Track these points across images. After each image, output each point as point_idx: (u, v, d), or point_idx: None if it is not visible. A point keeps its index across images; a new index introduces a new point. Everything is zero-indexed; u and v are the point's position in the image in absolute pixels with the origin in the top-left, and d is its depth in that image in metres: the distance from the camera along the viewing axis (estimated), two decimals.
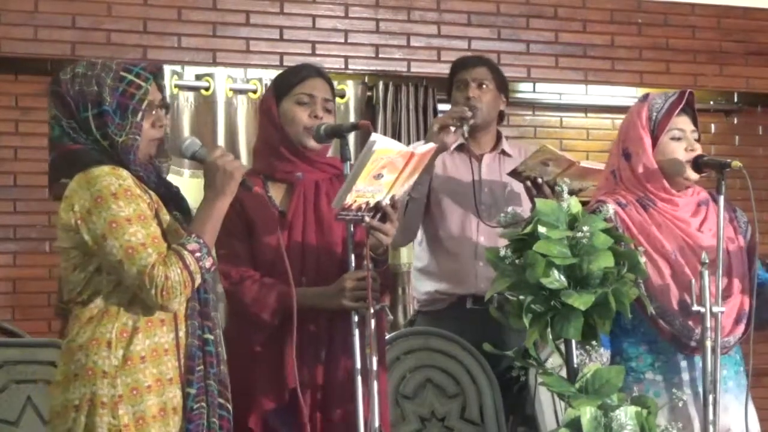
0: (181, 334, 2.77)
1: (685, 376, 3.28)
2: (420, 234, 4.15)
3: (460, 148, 4.08)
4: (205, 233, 2.74)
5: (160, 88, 2.88)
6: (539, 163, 3.68)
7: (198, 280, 2.72)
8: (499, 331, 3.89)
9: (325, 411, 3.12)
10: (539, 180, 3.71)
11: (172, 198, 2.91)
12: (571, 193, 3.67)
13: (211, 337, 2.82)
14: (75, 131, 2.76)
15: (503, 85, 4.19)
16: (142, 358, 2.69)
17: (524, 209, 4.01)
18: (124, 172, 2.72)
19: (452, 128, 3.88)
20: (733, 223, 3.41)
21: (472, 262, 4.03)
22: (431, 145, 3.05)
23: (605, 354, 3.20)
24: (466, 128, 3.90)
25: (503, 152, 4.16)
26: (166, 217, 2.80)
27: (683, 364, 3.28)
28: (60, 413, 2.71)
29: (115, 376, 2.66)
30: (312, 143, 3.24)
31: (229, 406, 2.84)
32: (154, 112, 2.82)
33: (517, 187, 3.99)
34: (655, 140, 3.35)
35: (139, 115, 2.77)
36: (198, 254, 2.70)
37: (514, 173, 3.79)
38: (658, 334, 3.26)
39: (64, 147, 2.77)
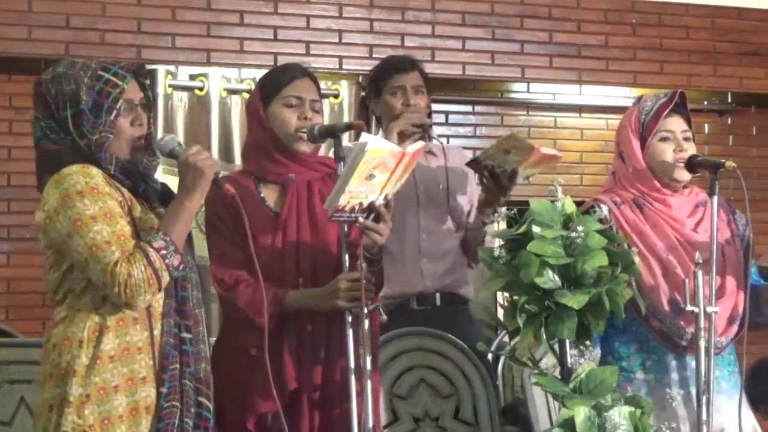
0: (156, 332, 2.76)
1: (676, 376, 3.29)
2: None
3: None
4: (173, 231, 2.72)
5: (143, 87, 2.88)
6: (502, 151, 3.66)
7: (165, 278, 2.70)
8: (448, 332, 3.92)
9: (324, 411, 3.12)
10: (498, 170, 3.69)
11: (157, 195, 2.90)
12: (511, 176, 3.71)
13: (189, 336, 2.80)
14: (53, 131, 2.77)
15: (429, 88, 4.17)
16: (110, 358, 2.68)
17: (459, 205, 4.02)
18: (93, 170, 2.72)
19: (414, 135, 3.86)
20: (731, 225, 3.41)
21: (417, 260, 4.02)
22: (421, 144, 3.05)
23: (594, 353, 3.21)
24: (434, 134, 3.91)
25: (430, 152, 4.14)
26: (140, 215, 2.79)
27: (674, 363, 3.29)
28: (39, 413, 2.72)
29: (85, 375, 2.66)
30: (303, 146, 3.23)
31: (210, 405, 2.82)
32: (132, 110, 2.82)
33: (452, 183, 3.98)
34: (644, 142, 3.36)
35: (114, 113, 2.77)
36: (164, 252, 2.68)
37: (474, 163, 3.77)
38: (649, 333, 3.27)
39: (45, 148, 2.79)
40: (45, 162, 2.78)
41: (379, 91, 4.07)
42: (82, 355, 2.66)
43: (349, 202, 2.92)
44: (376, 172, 2.89)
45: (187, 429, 2.75)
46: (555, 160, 3.76)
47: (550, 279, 2.96)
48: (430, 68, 5.70)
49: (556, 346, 3.10)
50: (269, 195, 3.24)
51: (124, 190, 2.79)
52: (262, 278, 2.90)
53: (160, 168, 5.17)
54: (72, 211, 2.66)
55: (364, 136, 2.85)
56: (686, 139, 3.39)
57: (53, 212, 2.68)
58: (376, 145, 2.86)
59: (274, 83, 3.28)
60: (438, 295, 4.05)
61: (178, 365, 2.76)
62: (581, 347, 3.08)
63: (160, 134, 5.23)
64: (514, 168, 3.67)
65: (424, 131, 3.89)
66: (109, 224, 2.67)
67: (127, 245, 2.67)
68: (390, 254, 3.96)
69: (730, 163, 3.25)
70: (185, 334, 2.79)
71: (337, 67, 5.68)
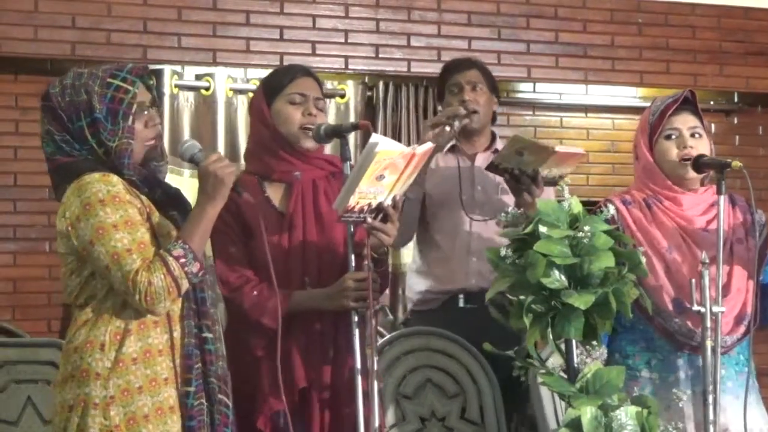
0: (176, 334, 2.81)
1: (682, 375, 3.29)
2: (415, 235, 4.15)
3: (453, 148, 4.08)
4: (192, 239, 2.76)
5: (149, 88, 2.91)
6: (514, 154, 3.64)
7: (184, 285, 2.75)
8: (495, 332, 3.89)
9: (334, 410, 3.12)
10: (516, 171, 3.68)
11: (171, 199, 2.93)
12: (553, 182, 3.68)
13: (210, 335, 2.85)
14: (68, 144, 2.81)
15: (495, 87, 4.18)
16: (133, 360, 2.74)
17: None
18: (114, 178, 2.76)
19: (446, 128, 3.85)
20: (746, 225, 3.40)
21: (465, 258, 4.01)
22: (430, 145, 3.05)
23: (600, 351, 3.20)
24: (457, 124, 3.88)
25: (497, 151, 4.14)
26: (158, 220, 2.83)
27: (680, 362, 3.29)
28: (57, 413, 2.77)
29: (107, 377, 2.71)
30: (308, 142, 3.23)
31: (228, 402, 2.87)
32: (145, 113, 2.86)
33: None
34: (653, 141, 3.38)
35: (130, 118, 2.81)
36: (183, 260, 2.73)
37: (491, 167, 3.77)
38: (655, 331, 3.27)
39: (58, 161, 2.82)
40: (61, 173, 2.81)
41: (443, 94, 4.13)
42: (104, 358, 2.72)
43: (358, 202, 2.92)
44: (386, 173, 2.89)
45: (219, 426, 2.82)
46: (579, 158, 3.69)
47: (556, 279, 2.96)
48: (437, 68, 5.68)
49: (563, 346, 3.10)
50: (274, 194, 3.24)
51: (143, 197, 2.83)
52: (272, 281, 2.90)
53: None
54: (94, 219, 2.70)
55: (375, 137, 2.84)
56: (694, 135, 3.38)
57: (75, 220, 2.73)
58: (386, 147, 2.85)
59: (277, 82, 3.29)
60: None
61: (200, 364, 2.82)
62: (587, 346, 3.08)
63: (166, 135, 5.27)
64: (534, 169, 3.65)
65: (453, 124, 3.87)
66: (130, 232, 2.72)
67: (148, 253, 2.73)
68: (438, 251, 4.01)
69: (736, 163, 3.25)
70: (207, 334, 2.85)
71: (343, 67, 5.67)
